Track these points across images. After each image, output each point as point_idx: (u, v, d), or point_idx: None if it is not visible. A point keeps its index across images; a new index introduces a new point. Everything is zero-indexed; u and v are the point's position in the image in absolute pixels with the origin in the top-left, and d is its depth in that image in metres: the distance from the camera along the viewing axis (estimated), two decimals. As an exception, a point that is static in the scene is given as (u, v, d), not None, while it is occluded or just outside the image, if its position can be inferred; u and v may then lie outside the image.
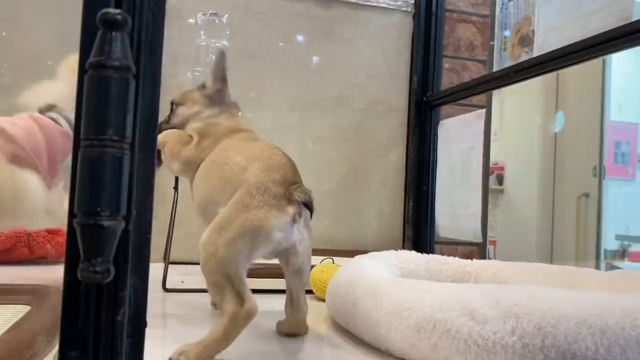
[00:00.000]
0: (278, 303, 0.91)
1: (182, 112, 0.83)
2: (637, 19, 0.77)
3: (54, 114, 0.92)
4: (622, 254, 3.08)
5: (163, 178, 1.25)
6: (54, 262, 1.12)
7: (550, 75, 3.02)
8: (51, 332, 0.49)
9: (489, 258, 1.07)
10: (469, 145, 1.18)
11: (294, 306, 0.69)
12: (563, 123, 3.10)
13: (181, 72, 1.29)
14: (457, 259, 0.92)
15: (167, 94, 1.27)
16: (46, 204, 0.84)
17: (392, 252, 0.91)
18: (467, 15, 1.51)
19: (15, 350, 0.45)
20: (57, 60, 1.24)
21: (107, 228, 0.30)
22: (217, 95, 0.82)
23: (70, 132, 0.81)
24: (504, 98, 3.32)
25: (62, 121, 0.92)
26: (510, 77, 1.01)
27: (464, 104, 1.35)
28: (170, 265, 0.96)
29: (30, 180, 0.82)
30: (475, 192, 1.17)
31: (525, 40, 1.05)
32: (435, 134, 1.30)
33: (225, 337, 0.57)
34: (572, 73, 3.00)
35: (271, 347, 0.65)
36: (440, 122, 1.30)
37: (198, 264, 1.30)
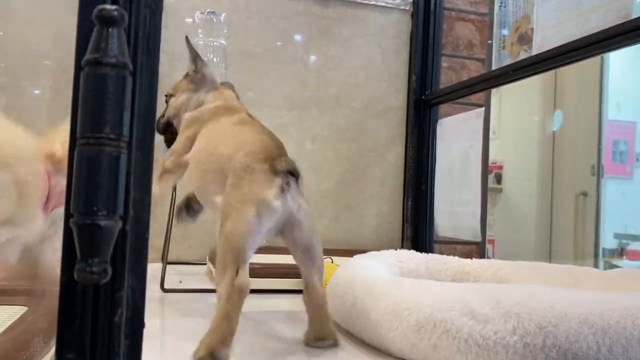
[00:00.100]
0: (276, 303, 0.91)
1: (172, 103, 0.85)
2: (636, 16, 0.77)
3: None
4: (621, 252, 3.08)
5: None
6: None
7: (549, 74, 3.02)
8: (48, 334, 0.48)
9: (488, 257, 1.07)
10: (467, 144, 1.17)
11: (310, 293, 0.65)
12: (561, 122, 3.10)
13: (179, 71, 1.28)
14: (456, 258, 0.92)
15: (165, 93, 1.27)
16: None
17: (392, 251, 0.90)
18: (466, 13, 1.51)
19: (12, 351, 0.45)
20: (54, 60, 1.23)
21: (104, 228, 0.30)
22: (198, 77, 0.84)
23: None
24: (503, 97, 3.32)
25: None
26: (509, 76, 1.01)
27: (463, 103, 1.34)
28: (168, 266, 0.96)
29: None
30: (474, 191, 1.16)
31: (524, 39, 1.05)
32: (434, 133, 1.30)
33: (227, 317, 0.57)
34: (570, 72, 3.00)
35: (270, 347, 0.65)
36: (439, 121, 1.30)
37: (196, 264, 1.30)
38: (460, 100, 1.28)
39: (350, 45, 1.44)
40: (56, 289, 0.33)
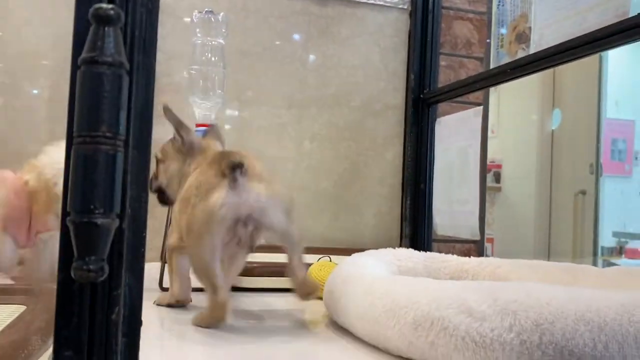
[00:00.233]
0: (274, 301, 0.91)
1: (163, 169, 0.85)
2: (633, 15, 0.77)
3: None
4: (619, 250, 3.08)
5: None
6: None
7: (547, 72, 3.02)
8: (46, 332, 0.48)
9: (487, 256, 1.07)
10: (466, 142, 1.18)
11: (291, 271, 0.74)
12: (560, 120, 3.10)
13: (177, 70, 1.28)
14: (455, 256, 0.92)
15: (163, 93, 1.27)
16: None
17: (390, 249, 0.90)
18: (464, 12, 1.51)
19: (10, 350, 0.45)
20: (53, 60, 1.23)
21: (101, 226, 0.30)
22: (186, 147, 0.83)
23: None
24: (501, 96, 3.32)
25: None
26: (507, 74, 1.01)
27: (461, 102, 1.34)
28: (166, 265, 0.96)
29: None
30: (472, 190, 1.16)
31: (522, 37, 1.05)
32: (433, 132, 1.30)
33: (209, 321, 0.68)
34: (568, 70, 3.00)
35: (268, 345, 0.65)
36: (438, 119, 1.30)
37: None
38: (459, 99, 1.28)
39: (348, 44, 1.44)
40: (54, 287, 0.33)
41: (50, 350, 0.35)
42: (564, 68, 2.98)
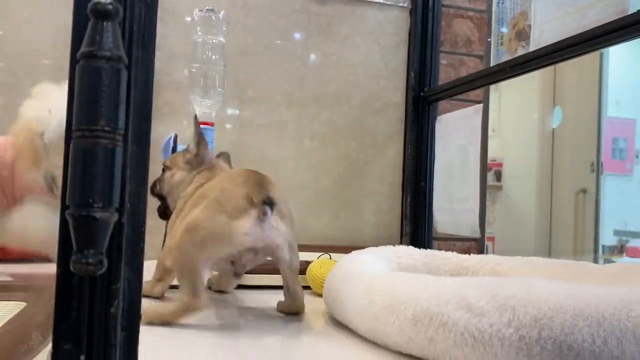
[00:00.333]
0: (269, 298, 0.91)
1: (167, 178, 0.86)
2: (633, 11, 0.77)
3: None
4: (620, 249, 3.08)
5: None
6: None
7: (548, 71, 3.02)
8: (46, 328, 0.49)
9: (487, 254, 1.07)
10: (466, 140, 1.18)
11: (291, 294, 0.76)
12: (561, 119, 3.10)
13: (178, 69, 1.29)
14: (455, 254, 0.92)
15: (164, 90, 1.27)
16: None
17: (390, 247, 0.91)
18: (464, 10, 1.51)
19: (10, 345, 0.45)
20: (53, 59, 1.24)
21: (100, 219, 0.30)
22: (197, 160, 0.84)
23: None
24: (502, 94, 3.32)
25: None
26: (507, 72, 1.01)
27: (461, 99, 1.34)
28: (167, 262, 0.96)
29: None
30: (473, 187, 1.17)
31: (522, 35, 1.05)
32: (433, 130, 1.30)
33: (171, 318, 0.66)
34: (569, 69, 3.00)
35: (267, 342, 0.65)
36: (438, 117, 1.30)
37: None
38: (459, 96, 1.28)
39: (348, 43, 1.44)
40: (54, 284, 0.33)
41: (51, 345, 0.36)
42: (564, 66, 2.98)
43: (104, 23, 0.31)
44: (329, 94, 1.42)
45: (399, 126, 1.45)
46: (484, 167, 1.46)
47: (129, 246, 0.35)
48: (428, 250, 0.93)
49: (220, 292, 0.90)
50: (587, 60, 2.92)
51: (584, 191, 2.97)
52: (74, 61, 0.31)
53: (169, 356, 0.58)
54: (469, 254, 0.93)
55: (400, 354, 0.58)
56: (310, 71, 1.42)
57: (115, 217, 0.32)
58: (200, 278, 0.66)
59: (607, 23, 0.79)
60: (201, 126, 1.01)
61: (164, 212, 0.89)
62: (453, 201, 1.22)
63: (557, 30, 0.93)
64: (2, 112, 1.20)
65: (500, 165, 3.37)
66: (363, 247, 0.92)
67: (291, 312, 0.77)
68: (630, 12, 0.78)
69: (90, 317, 0.33)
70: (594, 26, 0.82)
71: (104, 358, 0.33)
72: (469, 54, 1.51)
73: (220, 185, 0.70)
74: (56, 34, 1.22)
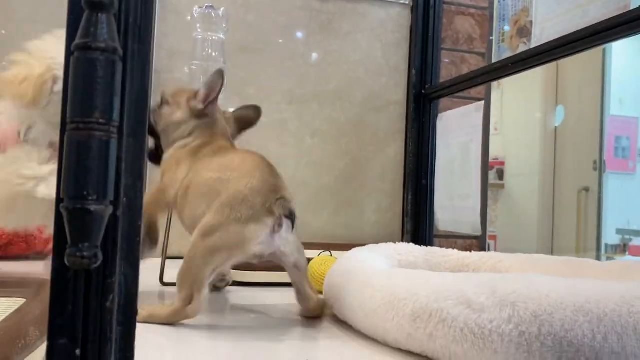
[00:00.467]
0: (272, 296, 0.91)
1: (165, 114, 0.81)
2: (634, 7, 0.77)
3: None
4: (623, 248, 3.07)
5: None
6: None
7: (550, 69, 3.01)
8: (44, 324, 0.48)
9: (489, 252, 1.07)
10: (467, 137, 1.17)
11: (303, 297, 0.73)
12: (563, 117, 3.10)
13: (178, 66, 1.29)
14: (456, 251, 0.92)
15: (163, 87, 1.27)
16: None
17: (390, 244, 0.90)
18: (466, 7, 1.51)
19: (7, 340, 0.45)
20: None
21: (94, 212, 0.30)
22: (202, 114, 0.80)
23: None
24: (504, 93, 3.32)
25: None
26: (509, 69, 1.00)
27: (463, 97, 1.34)
28: (168, 260, 0.96)
29: None
30: (474, 185, 1.16)
31: (523, 32, 1.05)
32: (434, 127, 1.30)
33: (165, 320, 0.65)
34: (572, 67, 2.99)
35: (267, 339, 0.65)
36: (439, 115, 1.30)
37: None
38: (460, 94, 1.28)
39: (350, 40, 1.44)
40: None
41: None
42: (567, 65, 2.97)
43: (99, 15, 0.30)
44: (330, 92, 1.42)
45: (400, 124, 1.45)
46: (485, 164, 1.46)
47: (125, 240, 0.35)
48: (429, 247, 0.92)
49: (214, 287, 0.89)
50: (590, 58, 2.91)
51: (587, 190, 2.96)
52: (68, 53, 0.31)
53: (167, 352, 0.58)
54: (470, 251, 0.93)
55: (400, 350, 0.57)
56: (311, 68, 1.41)
57: (110, 210, 0.31)
58: (202, 288, 0.64)
59: (609, 19, 0.79)
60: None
61: (156, 154, 0.83)
62: (454, 199, 1.22)
63: (558, 27, 0.93)
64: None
65: (502, 163, 3.36)
66: (364, 245, 0.91)
67: (312, 315, 0.75)
68: (632, 7, 0.78)
69: (85, 312, 0.33)
70: (595, 22, 0.81)
71: (99, 353, 0.33)
72: (471, 51, 1.51)
73: (235, 187, 0.66)
74: (57, 28, 1.22)
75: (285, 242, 0.68)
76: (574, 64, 2.95)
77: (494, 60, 1.15)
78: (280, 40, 1.39)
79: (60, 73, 0.79)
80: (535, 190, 3.16)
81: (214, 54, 1.08)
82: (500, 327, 0.48)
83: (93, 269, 0.32)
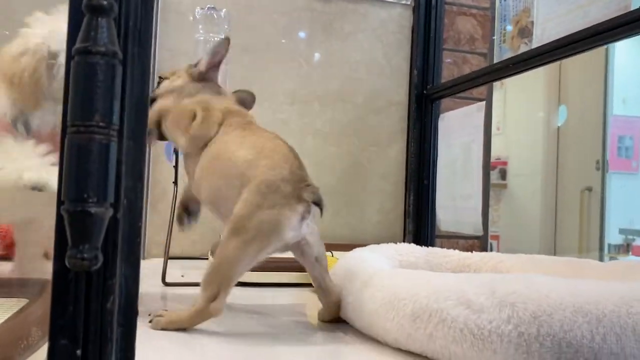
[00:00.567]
0: (274, 296, 0.91)
1: (164, 85, 0.80)
2: (635, 8, 0.77)
3: None
4: (627, 248, 3.06)
5: (162, 173, 1.25)
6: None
7: (553, 69, 3.01)
8: (46, 324, 0.49)
9: (491, 252, 1.07)
10: (469, 138, 1.17)
11: (324, 291, 0.71)
12: (566, 117, 3.09)
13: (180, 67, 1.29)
14: (457, 251, 0.92)
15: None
16: None
17: (392, 244, 0.91)
18: (467, 8, 1.51)
19: (10, 341, 0.45)
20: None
21: (95, 214, 0.30)
22: (201, 78, 0.79)
23: None
24: (507, 93, 3.31)
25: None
26: (510, 69, 1.01)
27: (464, 97, 1.34)
28: (171, 260, 0.97)
29: None
30: (475, 185, 1.16)
31: (525, 32, 1.05)
32: (436, 128, 1.30)
33: (188, 323, 0.64)
34: (574, 67, 2.99)
35: (267, 340, 0.65)
36: (441, 115, 1.30)
37: (198, 258, 1.30)
38: (462, 94, 1.28)
39: (351, 41, 1.44)
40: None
41: (49, 340, 0.36)
42: (570, 64, 2.96)
43: (99, 19, 0.31)
44: (332, 92, 1.42)
45: (402, 124, 1.45)
46: (487, 164, 1.46)
47: (125, 242, 0.35)
48: (430, 247, 0.93)
49: None
50: (593, 58, 2.91)
51: (590, 189, 2.95)
52: (69, 57, 0.31)
53: (168, 354, 0.58)
54: (472, 252, 0.93)
55: (400, 350, 0.58)
56: (313, 69, 1.42)
57: (110, 212, 0.32)
58: (229, 286, 0.63)
59: (610, 19, 0.79)
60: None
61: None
62: (456, 199, 1.22)
63: (559, 27, 0.93)
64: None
65: (505, 163, 3.36)
66: (366, 245, 0.92)
67: (334, 317, 0.72)
68: (633, 8, 0.78)
69: (86, 313, 0.33)
70: (596, 23, 0.81)
71: (99, 353, 0.33)
72: (472, 52, 1.51)
73: (266, 176, 0.64)
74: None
75: (312, 230, 0.67)
76: (576, 64, 2.95)
77: (495, 61, 1.15)
78: (282, 41, 1.39)
79: (55, 47, 0.76)
80: (538, 190, 3.16)
81: (215, 54, 1.08)
82: (499, 328, 0.48)
83: (94, 270, 0.32)
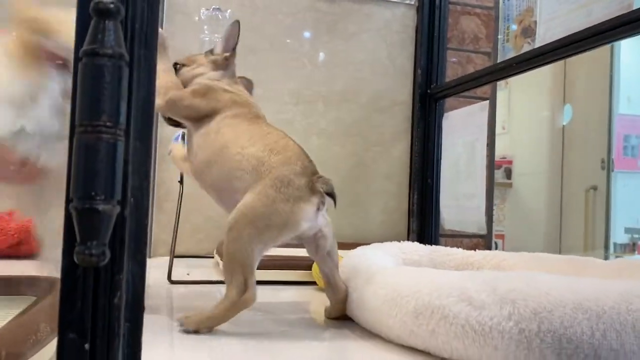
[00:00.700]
0: (277, 293, 0.92)
1: (185, 72, 0.80)
2: (638, 7, 0.77)
3: None
4: (632, 247, 3.05)
5: (169, 173, 1.26)
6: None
7: (558, 68, 3.00)
8: (54, 320, 0.50)
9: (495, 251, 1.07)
10: (473, 137, 1.18)
11: (333, 288, 0.72)
12: (571, 116, 3.09)
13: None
14: (460, 250, 0.93)
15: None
16: None
17: (395, 243, 0.91)
18: (471, 7, 1.51)
19: (20, 336, 0.46)
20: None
21: (102, 212, 0.31)
22: (223, 63, 0.80)
23: None
24: (512, 92, 3.31)
25: None
26: (513, 68, 1.01)
27: (468, 96, 1.35)
28: (176, 259, 0.98)
29: None
30: (479, 184, 1.17)
31: (528, 31, 1.05)
32: (440, 127, 1.30)
33: (223, 318, 0.64)
34: (579, 66, 2.98)
35: (271, 336, 0.66)
36: (445, 114, 1.30)
37: (203, 257, 1.31)
38: (466, 93, 1.28)
39: (355, 41, 1.45)
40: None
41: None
42: (574, 63, 2.96)
43: (106, 21, 0.32)
44: (336, 92, 1.43)
45: (406, 124, 1.46)
46: (491, 163, 1.46)
47: (132, 240, 0.36)
48: (433, 246, 0.93)
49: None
50: (598, 56, 2.90)
51: (595, 188, 2.95)
52: (76, 59, 0.32)
53: (175, 349, 0.59)
54: (475, 250, 0.94)
55: (403, 346, 0.58)
56: (317, 69, 1.42)
57: (118, 209, 0.33)
58: (253, 271, 0.63)
59: (613, 18, 0.79)
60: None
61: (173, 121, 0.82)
62: (460, 198, 1.22)
63: (562, 26, 0.93)
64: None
65: (510, 162, 3.36)
66: (370, 244, 0.92)
67: (341, 314, 0.72)
68: (635, 7, 0.78)
69: (94, 308, 0.34)
70: (599, 22, 0.82)
71: (107, 347, 0.34)
72: (476, 51, 1.51)
73: (279, 171, 0.65)
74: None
75: (327, 222, 0.69)
76: (581, 63, 2.94)
77: (499, 60, 1.15)
78: (287, 41, 1.40)
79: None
80: (543, 189, 3.15)
81: (220, 55, 1.09)
82: (500, 324, 0.49)
83: (101, 266, 0.33)
